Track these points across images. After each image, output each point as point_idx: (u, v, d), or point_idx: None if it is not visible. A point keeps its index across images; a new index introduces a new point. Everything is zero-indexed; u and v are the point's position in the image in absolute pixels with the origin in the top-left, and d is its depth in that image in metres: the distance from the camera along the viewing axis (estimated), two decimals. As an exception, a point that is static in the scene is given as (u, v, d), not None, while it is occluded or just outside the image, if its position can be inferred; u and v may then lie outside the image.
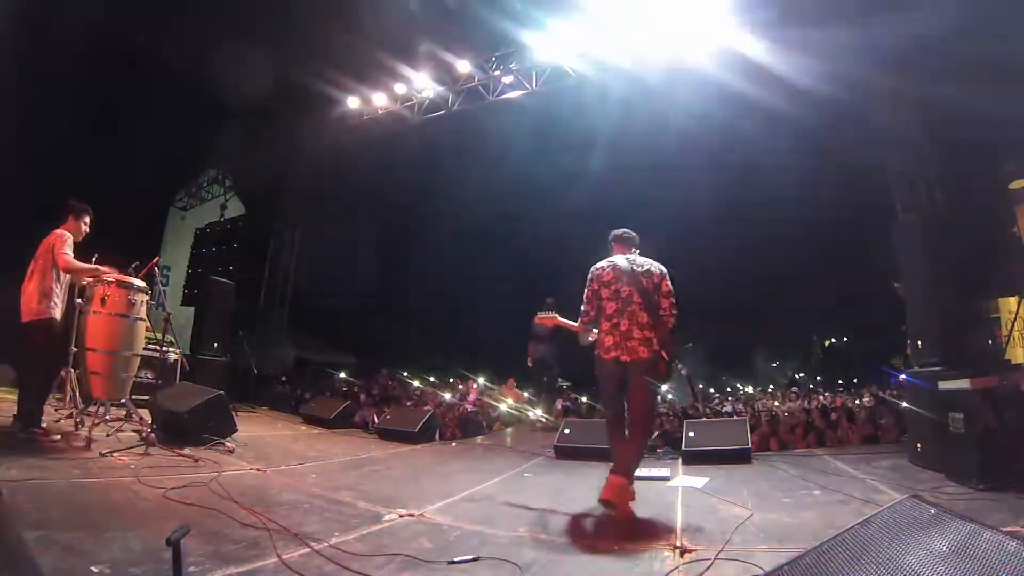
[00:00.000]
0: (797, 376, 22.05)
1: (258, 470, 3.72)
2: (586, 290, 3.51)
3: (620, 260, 3.46)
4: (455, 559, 2.18)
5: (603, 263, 3.51)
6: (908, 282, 4.66)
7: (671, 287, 3.41)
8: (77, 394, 4.20)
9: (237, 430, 4.70)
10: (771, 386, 15.48)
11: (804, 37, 7.47)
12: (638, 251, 3.61)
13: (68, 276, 4.09)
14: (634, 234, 3.68)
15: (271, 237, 12.71)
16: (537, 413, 8.01)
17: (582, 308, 3.54)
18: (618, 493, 3.00)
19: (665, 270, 3.46)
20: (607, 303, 3.37)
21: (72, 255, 4.04)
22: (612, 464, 3.14)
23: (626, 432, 3.23)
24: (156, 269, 5.24)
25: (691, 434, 5.04)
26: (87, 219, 4.24)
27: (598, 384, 3.46)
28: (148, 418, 4.37)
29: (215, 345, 8.05)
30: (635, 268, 3.40)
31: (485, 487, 3.75)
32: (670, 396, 9.72)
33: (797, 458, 5.01)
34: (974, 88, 6.37)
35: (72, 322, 4.06)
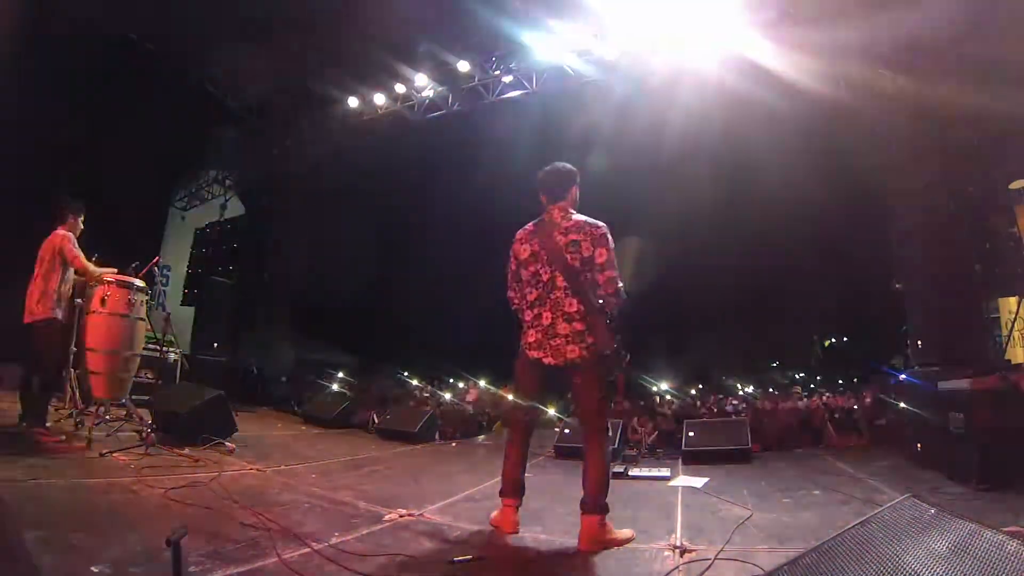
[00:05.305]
0: (797, 376, 22.05)
1: (258, 470, 3.72)
2: (508, 269, 2.81)
3: (542, 228, 2.67)
4: (455, 559, 2.17)
5: (522, 232, 2.75)
6: (908, 282, 4.67)
7: (612, 256, 2.58)
8: (77, 394, 4.20)
9: (237, 430, 4.70)
10: (771, 387, 15.47)
11: (804, 37, 7.48)
12: (572, 201, 2.73)
13: (71, 276, 4.10)
14: (560, 173, 2.73)
15: (271, 237, 12.70)
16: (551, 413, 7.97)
17: (508, 293, 2.84)
18: (596, 537, 2.40)
19: (603, 231, 2.60)
20: (527, 288, 2.69)
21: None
22: (582, 498, 2.46)
23: (585, 454, 2.57)
24: (156, 269, 5.24)
25: (691, 434, 5.05)
26: (83, 216, 4.25)
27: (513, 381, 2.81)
28: (148, 418, 4.37)
29: (215, 345, 8.05)
30: (559, 239, 2.59)
31: (485, 487, 3.74)
32: (668, 396, 9.71)
33: (797, 458, 5.02)
34: (974, 88, 6.37)
35: (72, 322, 4.07)
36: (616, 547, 2.41)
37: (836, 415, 6.93)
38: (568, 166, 2.79)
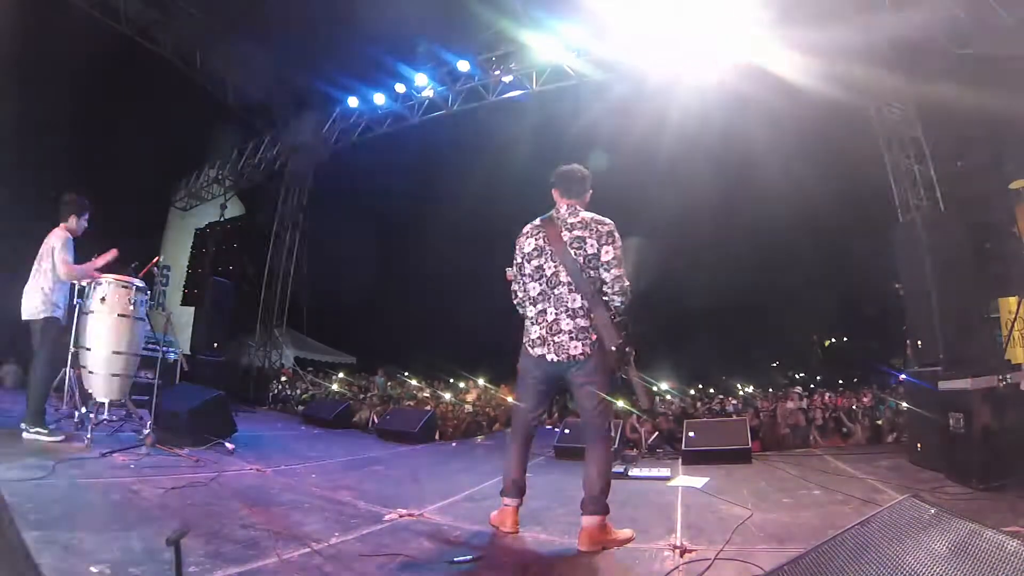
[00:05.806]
0: (797, 376, 22.06)
1: (258, 470, 3.72)
2: (513, 262, 2.77)
3: (549, 223, 2.66)
4: (455, 559, 2.18)
5: (528, 226, 2.74)
6: (908, 282, 4.66)
7: (619, 253, 2.57)
8: (77, 394, 4.20)
9: (237, 430, 4.69)
10: (771, 387, 15.48)
11: (804, 37, 7.47)
12: (583, 201, 2.72)
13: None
14: (581, 172, 2.73)
15: (271, 237, 12.72)
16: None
17: (512, 287, 2.79)
18: (596, 538, 2.37)
19: (610, 228, 2.59)
20: (530, 283, 2.65)
21: (73, 260, 4.03)
22: (583, 498, 2.45)
23: (586, 454, 2.55)
24: (156, 269, 5.25)
25: (691, 434, 5.04)
26: (87, 216, 4.22)
27: (516, 379, 2.78)
28: (148, 418, 4.36)
29: (215, 345, 8.04)
30: (564, 235, 2.58)
31: (485, 487, 3.74)
32: (668, 396, 9.71)
33: (797, 458, 5.01)
34: (974, 88, 6.37)
35: (72, 322, 4.06)
36: (616, 547, 2.40)
37: (835, 415, 6.94)
38: (585, 170, 2.78)
